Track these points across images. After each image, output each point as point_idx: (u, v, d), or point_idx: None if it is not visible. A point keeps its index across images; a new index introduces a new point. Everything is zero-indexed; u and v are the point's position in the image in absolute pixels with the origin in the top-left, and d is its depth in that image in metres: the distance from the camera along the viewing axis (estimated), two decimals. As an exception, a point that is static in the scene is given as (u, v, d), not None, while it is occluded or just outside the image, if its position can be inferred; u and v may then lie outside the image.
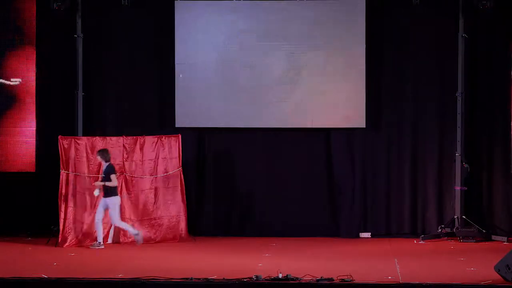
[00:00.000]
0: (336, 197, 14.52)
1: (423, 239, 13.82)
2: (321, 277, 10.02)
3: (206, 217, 14.60)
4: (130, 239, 13.47)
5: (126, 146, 13.73)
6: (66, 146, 13.41)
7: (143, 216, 13.70)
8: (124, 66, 14.70)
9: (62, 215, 13.26)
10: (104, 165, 13.20)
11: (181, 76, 14.38)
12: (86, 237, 13.38)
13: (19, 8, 14.23)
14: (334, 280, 9.94)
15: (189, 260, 11.94)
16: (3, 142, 14.19)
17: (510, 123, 13.60)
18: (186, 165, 14.09)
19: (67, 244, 13.16)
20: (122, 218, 13.56)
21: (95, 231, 13.25)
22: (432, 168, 14.36)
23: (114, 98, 14.72)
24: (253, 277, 10.00)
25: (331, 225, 14.52)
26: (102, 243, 13.05)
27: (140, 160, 13.75)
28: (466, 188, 14.09)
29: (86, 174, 13.50)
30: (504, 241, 13.65)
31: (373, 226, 14.48)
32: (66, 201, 13.30)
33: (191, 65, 14.44)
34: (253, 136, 14.58)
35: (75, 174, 13.41)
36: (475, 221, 13.92)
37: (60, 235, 13.21)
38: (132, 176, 13.69)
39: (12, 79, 14.02)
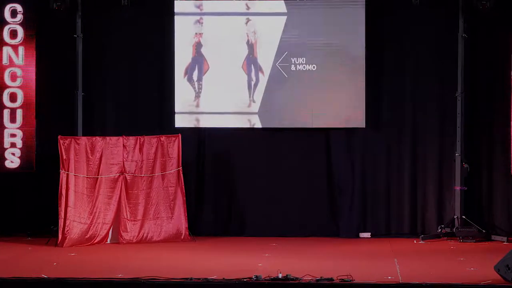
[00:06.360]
0: (336, 197, 14.52)
1: (423, 239, 13.82)
2: (321, 277, 10.02)
3: (206, 217, 14.60)
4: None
5: (126, 146, 13.73)
6: (66, 146, 13.40)
7: (143, 216, 13.70)
8: (124, 66, 14.71)
9: (62, 215, 13.25)
10: None
11: (180, 76, 14.43)
12: (86, 237, 13.38)
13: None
14: (334, 280, 9.95)
15: (189, 260, 11.94)
16: (2, 142, 14.17)
17: (510, 123, 13.59)
18: (186, 165, 14.09)
19: (66, 244, 13.15)
20: (122, 218, 13.58)
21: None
22: (432, 168, 14.36)
23: (114, 98, 14.73)
24: (253, 277, 10.00)
25: (331, 225, 14.51)
26: None
27: (139, 160, 13.75)
28: (466, 188, 14.08)
29: (86, 175, 13.50)
30: (504, 241, 13.65)
31: (373, 226, 14.48)
32: (66, 201, 13.29)
33: (191, 65, 14.45)
34: (253, 136, 14.58)
35: (74, 175, 13.41)
36: (475, 221, 13.92)
37: (60, 235, 13.21)
38: (132, 176, 13.69)
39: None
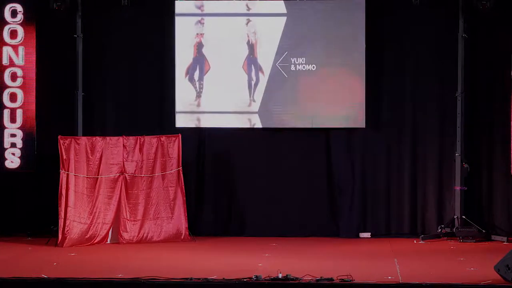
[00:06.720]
0: (336, 197, 14.52)
1: (423, 239, 13.82)
2: (321, 277, 10.02)
3: (206, 217, 14.60)
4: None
5: (126, 146, 13.73)
6: (66, 146, 13.41)
7: (143, 216, 13.70)
8: (124, 66, 14.71)
9: (62, 215, 13.25)
10: None
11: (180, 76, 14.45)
12: (86, 237, 13.38)
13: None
14: (334, 280, 9.95)
15: (189, 260, 11.94)
16: (2, 142, 14.17)
17: (510, 123, 13.60)
18: (186, 165, 14.09)
19: (66, 244, 13.15)
20: (122, 218, 13.58)
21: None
22: (432, 168, 14.36)
23: (114, 98, 14.73)
24: (253, 277, 10.01)
25: (331, 225, 14.51)
26: None
27: (140, 160, 13.75)
28: (466, 188, 14.08)
29: (86, 175, 13.50)
30: (504, 241, 13.65)
31: (373, 226, 14.48)
32: (66, 201, 13.29)
33: (192, 65, 14.47)
34: (253, 136, 14.59)
35: (74, 175, 13.41)
36: (475, 221, 13.91)
37: (60, 235, 13.21)
38: (132, 176, 13.69)
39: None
